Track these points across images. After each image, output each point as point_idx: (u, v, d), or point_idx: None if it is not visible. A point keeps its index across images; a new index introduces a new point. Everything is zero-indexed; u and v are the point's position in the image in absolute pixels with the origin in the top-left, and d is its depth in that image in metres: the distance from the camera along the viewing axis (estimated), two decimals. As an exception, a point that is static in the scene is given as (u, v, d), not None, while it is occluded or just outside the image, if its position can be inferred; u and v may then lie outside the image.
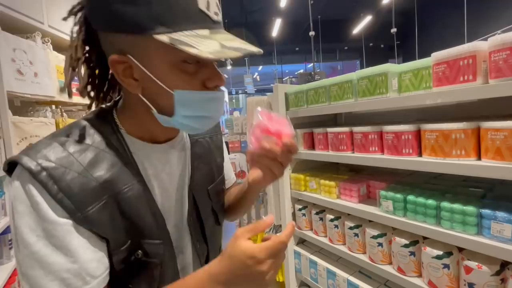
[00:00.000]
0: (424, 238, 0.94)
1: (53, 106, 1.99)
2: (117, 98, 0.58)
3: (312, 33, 7.56)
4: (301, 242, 1.54)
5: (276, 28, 10.30)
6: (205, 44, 0.42)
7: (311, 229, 1.41)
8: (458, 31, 8.21)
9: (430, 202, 0.87)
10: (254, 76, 14.99)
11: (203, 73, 0.47)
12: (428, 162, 0.86)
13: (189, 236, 0.61)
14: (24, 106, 1.83)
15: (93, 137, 0.49)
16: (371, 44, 12.84)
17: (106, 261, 0.46)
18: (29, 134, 1.65)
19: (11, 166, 0.44)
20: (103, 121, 0.51)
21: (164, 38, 0.41)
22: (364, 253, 1.15)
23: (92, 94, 0.54)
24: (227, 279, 0.43)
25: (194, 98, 0.47)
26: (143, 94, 0.47)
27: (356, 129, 1.09)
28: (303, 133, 1.37)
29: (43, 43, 1.86)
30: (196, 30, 0.43)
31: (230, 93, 12.85)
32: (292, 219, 1.50)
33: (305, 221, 1.42)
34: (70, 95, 0.49)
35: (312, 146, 1.36)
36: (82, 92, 0.51)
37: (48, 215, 0.41)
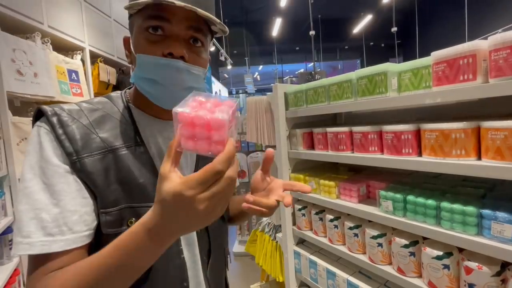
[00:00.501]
0: (424, 238, 0.94)
1: (53, 107, 1.99)
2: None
3: (312, 32, 7.54)
4: (301, 242, 1.54)
5: (276, 27, 10.29)
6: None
7: (311, 229, 1.41)
8: (459, 30, 8.19)
9: (430, 202, 0.87)
10: (255, 76, 14.97)
11: (165, 43, 0.51)
12: (428, 162, 0.86)
13: None
14: (24, 107, 1.83)
15: (105, 104, 0.56)
16: (371, 43, 12.82)
17: (89, 220, 0.47)
18: (28, 134, 1.66)
19: (37, 117, 0.51)
20: (116, 95, 0.60)
21: (129, 4, 0.50)
22: (364, 253, 1.14)
23: None
24: (164, 226, 0.37)
25: (149, 61, 0.51)
26: (131, 64, 0.56)
27: (356, 128, 1.09)
28: (302, 133, 1.36)
29: (42, 43, 1.86)
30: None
31: (230, 93, 12.83)
32: (291, 219, 1.50)
33: (304, 221, 1.42)
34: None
35: (312, 146, 1.36)
36: None
37: (47, 154, 0.46)
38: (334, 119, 1.62)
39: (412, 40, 10.24)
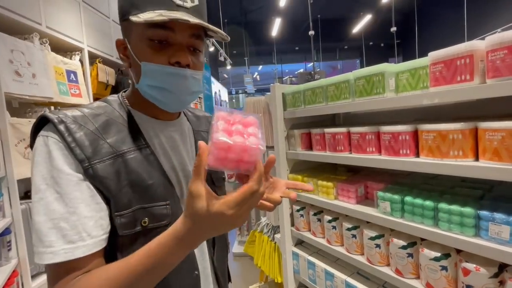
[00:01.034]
0: (422, 239, 0.93)
1: (52, 107, 1.99)
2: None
3: (311, 32, 7.54)
4: (299, 243, 1.53)
5: (275, 27, 10.28)
6: (149, 15, 0.50)
7: (309, 230, 1.40)
8: (458, 29, 8.19)
9: (428, 203, 0.87)
10: (254, 76, 14.97)
11: (169, 52, 0.53)
12: (425, 163, 0.85)
13: None
14: (22, 107, 1.82)
15: (105, 109, 0.56)
16: (371, 43, 12.81)
17: (104, 225, 0.48)
18: (27, 135, 1.65)
19: (40, 124, 0.50)
20: (113, 99, 0.60)
21: (132, 18, 0.50)
22: (362, 254, 1.14)
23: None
24: (195, 237, 0.42)
25: (156, 70, 0.53)
26: (130, 69, 0.57)
27: (354, 129, 1.09)
28: (300, 133, 1.36)
29: (41, 44, 1.86)
30: (156, 10, 0.51)
31: (230, 93, 12.82)
32: (290, 220, 1.49)
33: (303, 222, 1.42)
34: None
35: (310, 147, 1.35)
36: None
37: (58, 164, 0.46)
38: (332, 120, 1.62)
39: (412, 40, 10.24)
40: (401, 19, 10.67)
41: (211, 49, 7.03)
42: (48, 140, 0.48)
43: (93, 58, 2.41)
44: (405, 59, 0.97)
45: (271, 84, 1.46)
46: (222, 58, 7.03)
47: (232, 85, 14.28)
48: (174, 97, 0.56)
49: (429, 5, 10.14)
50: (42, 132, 0.49)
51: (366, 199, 1.20)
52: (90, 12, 2.39)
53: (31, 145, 0.52)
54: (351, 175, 1.35)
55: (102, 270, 0.44)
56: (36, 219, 0.44)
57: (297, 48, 12.91)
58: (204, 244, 0.64)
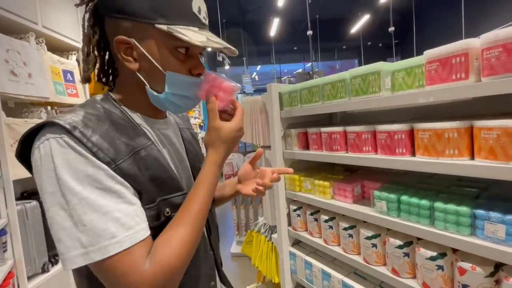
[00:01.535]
0: (418, 239, 0.93)
1: (48, 107, 1.97)
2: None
3: (310, 32, 7.55)
4: (296, 243, 1.53)
5: (274, 27, 10.28)
6: (195, 36, 0.53)
7: (306, 230, 1.40)
8: (456, 30, 8.21)
9: (424, 202, 0.86)
10: (253, 76, 14.97)
11: (189, 62, 0.58)
12: (421, 162, 0.85)
13: None
14: (18, 108, 1.82)
15: (101, 109, 0.55)
16: (369, 43, 12.82)
17: (143, 212, 0.51)
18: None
19: (38, 129, 0.49)
20: (102, 101, 0.58)
21: (163, 27, 0.52)
22: (359, 254, 1.14)
23: (104, 79, 0.64)
24: (226, 156, 0.59)
25: (181, 80, 0.57)
26: (139, 72, 0.56)
27: (350, 128, 1.08)
28: (297, 133, 1.36)
29: (37, 43, 1.85)
30: (188, 26, 0.54)
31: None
32: (287, 219, 1.49)
33: (300, 222, 1.41)
34: (89, 80, 0.59)
35: (307, 146, 1.35)
36: (98, 76, 0.62)
37: (91, 161, 0.46)
38: (329, 119, 1.62)
39: (410, 39, 10.26)
40: (399, 19, 10.68)
41: (209, 49, 7.01)
42: (65, 142, 0.46)
43: (90, 58, 2.40)
44: (403, 59, 0.97)
45: (268, 84, 1.46)
46: (220, 58, 7.02)
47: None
48: (192, 103, 0.62)
49: (426, 5, 10.16)
50: (49, 135, 0.46)
51: (363, 198, 1.20)
52: (87, 11, 2.38)
53: (21, 151, 0.51)
54: (348, 174, 1.35)
55: (165, 235, 0.50)
56: (87, 218, 0.44)
57: (295, 48, 12.91)
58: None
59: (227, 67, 8.65)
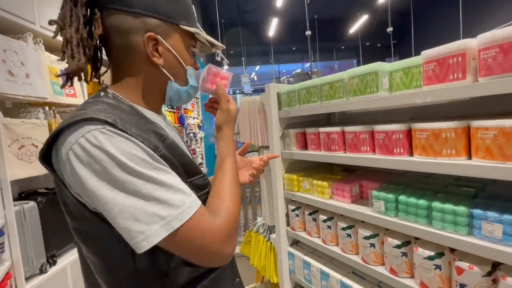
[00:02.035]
0: (416, 238, 0.93)
1: (46, 108, 1.97)
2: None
3: (308, 32, 7.56)
4: (295, 243, 1.53)
5: (272, 27, 10.29)
6: (206, 36, 0.66)
7: (305, 230, 1.40)
8: (454, 30, 8.24)
9: (421, 202, 0.87)
10: (252, 76, 14.97)
11: (194, 60, 0.68)
12: (419, 162, 0.85)
13: None
14: (15, 108, 1.81)
15: (116, 105, 0.56)
16: (367, 44, 12.85)
17: None
18: (20, 136, 1.63)
19: (61, 130, 0.49)
20: (107, 96, 0.58)
21: (190, 29, 0.62)
22: (357, 254, 1.14)
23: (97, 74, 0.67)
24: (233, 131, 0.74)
25: (195, 74, 0.68)
26: (163, 67, 0.61)
27: (348, 128, 1.08)
28: (295, 133, 1.36)
29: (34, 43, 1.84)
30: (197, 29, 0.65)
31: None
32: (285, 220, 1.49)
33: (298, 222, 1.41)
34: (87, 80, 0.61)
35: (305, 146, 1.35)
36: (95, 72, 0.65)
37: (140, 146, 0.49)
38: (328, 119, 1.62)
39: (408, 40, 10.30)
40: (397, 19, 10.72)
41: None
42: (110, 131, 0.47)
43: (88, 58, 2.39)
44: (402, 59, 0.97)
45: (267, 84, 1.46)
46: (219, 58, 7.01)
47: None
48: (196, 93, 0.71)
49: (425, 5, 10.20)
50: (89, 128, 0.46)
51: (361, 198, 1.20)
52: (85, 11, 2.37)
53: (46, 150, 0.51)
54: (346, 174, 1.35)
55: (216, 197, 0.59)
56: (157, 193, 0.47)
57: (294, 48, 12.92)
58: None
59: (225, 67, 8.65)
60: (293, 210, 1.42)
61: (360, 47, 12.15)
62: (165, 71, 0.61)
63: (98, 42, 0.60)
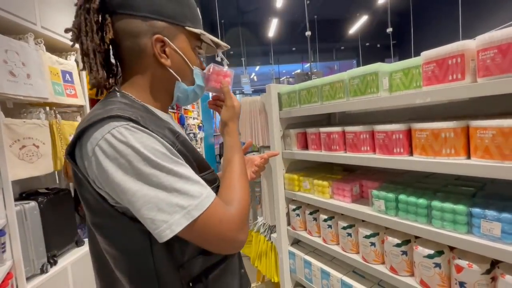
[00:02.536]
0: (416, 237, 0.94)
1: (47, 108, 1.97)
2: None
3: (308, 33, 7.57)
4: (296, 242, 1.54)
5: (272, 28, 10.30)
6: (210, 37, 0.68)
7: (305, 229, 1.41)
8: (453, 31, 8.26)
9: (421, 201, 0.87)
10: (251, 76, 14.98)
11: (198, 59, 0.70)
12: (419, 161, 0.86)
13: None
14: (17, 108, 1.81)
15: (129, 104, 0.58)
16: (367, 44, 12.87)
17: None
18: (22, 136, 1.64)
19: (86, 128, 0.51)
20: (120, 97, 0.60)
21: (195, 30, 0.65)
22: (357, 253, 1.15)
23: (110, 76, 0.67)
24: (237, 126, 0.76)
25: (201, 74, 0.70)
26: (171, 68, 0.63)
27: (348, 128, 1.09)
28: (296, 133, 1.37)
29: (36, 44, 1.84)
30: (202, 30, 0.67)
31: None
32: (286, 219, 1.50)
33: (299, 222, 1.42)
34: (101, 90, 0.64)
35: (306, 146, 1.36)
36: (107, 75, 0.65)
37: (160, 141, 0.52)
38: (328, 119, 1.63)
39: (407, 40, 10.32)
40: (397, 20, 10.75)
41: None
42: (133, 127, 0.50)
43: (88, 58, 2.39)
44: (401, 59, 0.98)
45: (267, 84, 1.47)
46: (219, 59, 7.01)
47: (232, 82, 14.23)
48: (202, 93, 0.74)
49: (424, 6, 10.22)
50: (114, 124, 0.50)
51: (362, 197, 1.21)
52: (86, 12, 2.37)
53: (73, 147, 0.53)
54: (346, 174, 1.36)
55: (229, 188, 0.62)
56: (178, 185, 0.50)
57: (294, 48, 12.94)
58: None
59: (225, 67, 8.64)
60: (294, 210, 1.43)
61: (360, 48, 12.17)
62: (172, 71, 0.63)
63: (108, 46, 0.62)
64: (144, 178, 0.49)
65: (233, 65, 10.64)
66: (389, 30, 9.08)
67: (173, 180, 0.50)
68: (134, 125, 0.51)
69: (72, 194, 2.21)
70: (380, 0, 9.01)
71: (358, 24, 10.99)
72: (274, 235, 1.64)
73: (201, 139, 5.98)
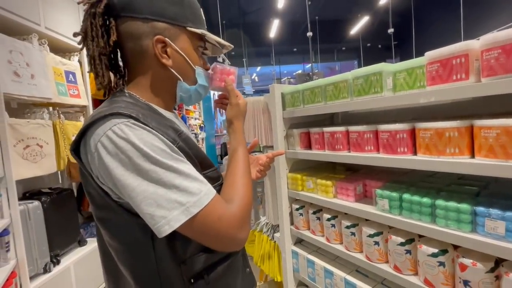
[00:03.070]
0: (420, 236, 0.95)
1: (50, 108, 1.99)
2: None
3: (309, 33, 7.58)
4: (299, 242, 1.54)
5: (274, 29, 10.31)
6: (213, 37, 0.67)
7: (309, 229, 1.41)
8: (455, 31, 8.26)
9: (425, 200, 0.88)
10: (253, 77, 14.99)
11: (201, 59, 0.71)
12: (423, 160, 0.87)
13: None
14: (21, 108, 1.83)
15: (133, 103, 0.59)
16: (368, 45, 12.87)
17: None
18: (26, 136, 1.65)
19: (89, 125, 0.53)
20: (125, 96, 0.62)
21: (196, 30, 0.65)
22: (361, 252, 1.15)
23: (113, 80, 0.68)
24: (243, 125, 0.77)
25: (204, 74, 0.71)
26: (172, 68, 0.64)
27: (352, 128, 1.10)
28: (299, 132, 1.37)
29: (40, 44, 1.86)
30: (204, 30, 0.67)
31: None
32: (289, 218, 1.50)
33: (302, 221, 1.43)
34: (107, 92, 0.64)
35: (309, 146, 1.36)
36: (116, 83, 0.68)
37: (161, 138, 0.53)
38: (331, 119, 1.63)
39: (409, 41, 10.31)
40: (398, 20, 10.73)
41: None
42: (134, 124, 0.51)
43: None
44: (402, 60, 0.99)
45: (270, 85, 1.48)
46: (220, 59, 7.04)
47: (236, 80, 14.24)
48: (206, 92, 0.74)
49: (425, 7, 10.22)
50: (115, 121, 0.51)
51: (365, 197, 1.22)
52: (89, 13, 2.39)
53: (78, 143, 0.55)
54: (350, 173, 1.36)
55: (230, 186, 0.62)
56: (177, 182, 0.51)
57: (295, 49, 12.94)
58: None
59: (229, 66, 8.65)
60: (297, 209, 1.43)
61: (361, 48, 12.17)
62: (174, 71, 0.64)
63: (114, 48, 0.64)
64: (144, 174, 0.49)
65: (235, 65, 10.64)
66: (391, 30, 9.07)
67: (172, 176, 0.51)
68: (135, 122, 0.52)
69: (75, 194, 2.22)
70: (382, 1, 9.01)
71: (359, 25, 10.99)
72: (277, 235, 1.64)
73: (202, 139, 5.98)
